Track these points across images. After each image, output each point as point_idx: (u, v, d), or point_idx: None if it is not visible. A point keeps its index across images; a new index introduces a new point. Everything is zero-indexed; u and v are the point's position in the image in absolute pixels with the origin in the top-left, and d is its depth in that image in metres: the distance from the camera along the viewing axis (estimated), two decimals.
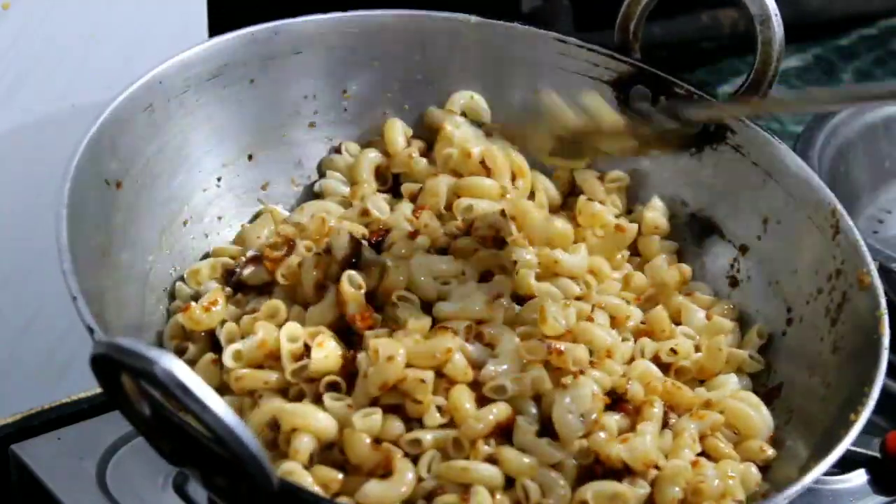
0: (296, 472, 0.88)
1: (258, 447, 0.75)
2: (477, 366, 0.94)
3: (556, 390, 0.93)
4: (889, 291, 1.17)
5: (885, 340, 0.94)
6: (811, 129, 1.36)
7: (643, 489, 0.91)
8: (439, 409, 0.92)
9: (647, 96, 1.12)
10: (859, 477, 1.08)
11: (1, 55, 1.05)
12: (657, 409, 0.95)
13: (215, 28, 1.15)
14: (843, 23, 1.82)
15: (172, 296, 1.04)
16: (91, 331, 0.85)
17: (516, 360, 0.94)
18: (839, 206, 1.03)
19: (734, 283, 1.09)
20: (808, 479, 0.87)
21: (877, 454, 1.08)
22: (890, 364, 1.18)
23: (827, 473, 1.07)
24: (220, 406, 0.74)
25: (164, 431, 0.81)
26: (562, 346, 0.94)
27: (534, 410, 0.93)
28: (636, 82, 1.13)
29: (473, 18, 1.14)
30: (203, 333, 0.99)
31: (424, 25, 1.14)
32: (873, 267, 0.99)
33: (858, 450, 1.08)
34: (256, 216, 1.11)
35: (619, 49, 1.14)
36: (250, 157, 1.11)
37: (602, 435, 0.92)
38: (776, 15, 1.08)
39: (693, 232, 1.11)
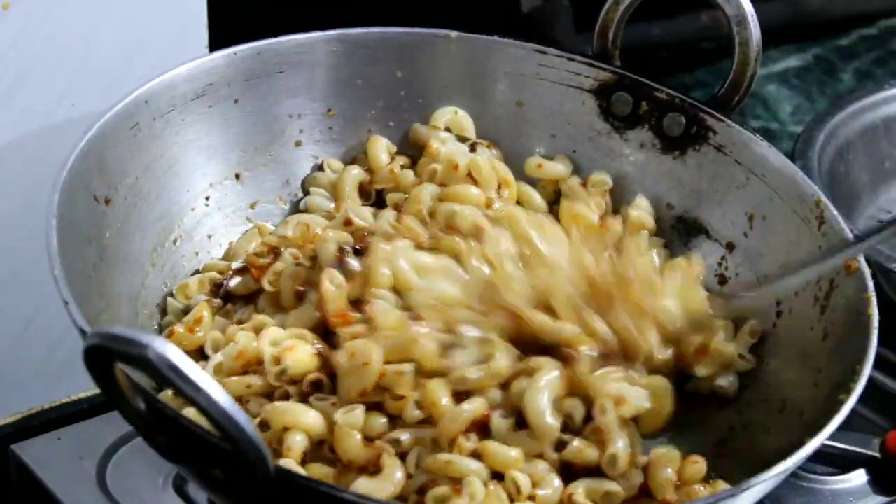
0: (292, 468, 0.88)
1: (253, 430, 0.75)
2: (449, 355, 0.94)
3: (523, 378, 0.93)
4: (889, 291, 1.18)
5: (875, 321, 0.95)
6: (811, 129, 1.36)
7: (636, 478, 0.92)
8: (418, 404, 0.92)
9: (629, 103, 1.14)
10: (859, 477, 1.08)
11: (1, 55, 1.05)
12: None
13: (215, 29, 1.15)
14: (843, 23, 1.82)
15: (164, 311, 1.04)
16: (84, 333, 0.85)
17: (484, 349, 0.94)
18: (823, 197, 1.04)
19: (723, 281, 1.09)
20: (800, 454, 0.87)
21: (877, 454, 1.08)
22: (889, 363, 1.19)
23: (827, 473, 1.08)
24: (214, 388, 0.74)
25: (160, 426, 0.81)
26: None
27: (502, 399, 0.94)
28: (618, 89, 1.14)
29: (454, 33, 1.15)
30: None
31: (405, 42, 1.15)
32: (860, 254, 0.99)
33: (858, 450, 1.08)
34: (246, 234, 1.11)
35: (599, 56, 1.14)
36: (238, 177, 1.12)
37: (576, 444, 0.92)
38: (752, 15, 1.09)
39: (680, 234, 1.12)
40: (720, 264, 1.09)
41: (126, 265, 1.02)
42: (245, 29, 1.13)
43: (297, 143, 1.14)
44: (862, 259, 0.99)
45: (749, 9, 1.08)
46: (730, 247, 1.09)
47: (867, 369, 0.92)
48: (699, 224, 1.11)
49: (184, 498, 1.03)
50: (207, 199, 1.10)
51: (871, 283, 0.98)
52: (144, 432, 0.82)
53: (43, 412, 1.14)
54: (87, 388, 1.17)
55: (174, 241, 1.07)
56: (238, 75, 1.10)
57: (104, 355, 0.75)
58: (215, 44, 1.14)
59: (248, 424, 0.75)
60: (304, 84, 1.13)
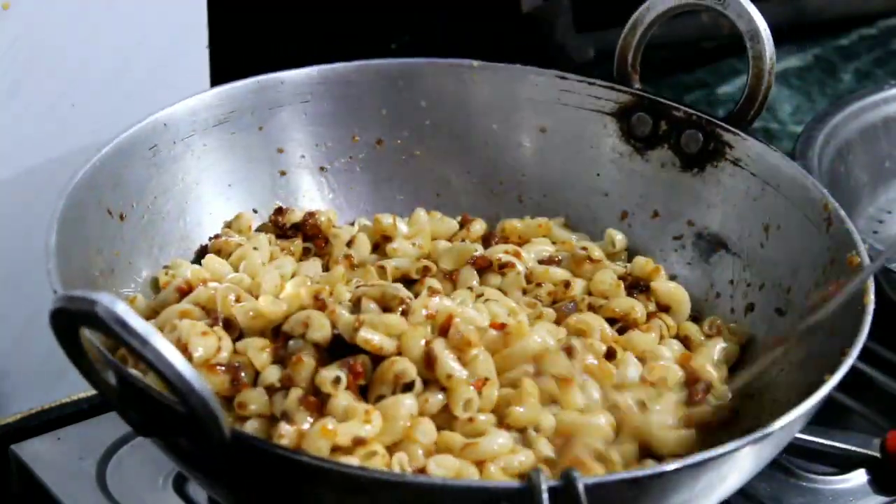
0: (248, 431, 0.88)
1: (203, 384, 0.76)
2: None
3: None
4: (889, 291, 1.18)
5: (870, 307, 0.95)
6: (811, 129, 1.36)
7: None
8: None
9: (649, 123, 1.15)
10: (859, 477, 1.08)
11: (1, 55, 1.05)
12: None
13: (216, 31, 1.15)
14: (843, 23, 1.82)
15: None
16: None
17: None
18: (831, 199, 1.04)
19: (745, 294, 1.09)
20: (785, 419, 0.86)
21: (877, 454, 1.08)
22: (889, 364, 1.19)
23: (827, 473, 1.08)
24: (160, 342, 0.74)
25: (129, 398, 0.82)
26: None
27: None
28: (637, 110, 1.15)
29: (476, 63, 1.17)
30: None
31: (427, 71, 1.17)
32: (862, 248, 0.99)
33: (858, 450, 1.08)
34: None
35: (619, 79, 1.16)
36: (255, 211, 1.13)
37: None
38: (765, 30, 1.09)
39: (701, 251, 1.12)
40: (740, 277, 1.09)
41: (136, 281, 1.04)
42: (245, 29, 1.13)
43: (322, 169, 1.16)
44: (864, 254, 0.99)
45: (762, 24, 1.09)
46: (748, 259, 1.09)
47: (855, 351, 0.91)
48: (719, 239, 1.12)
49: (184, 498, 1.03)
50: (229, 224, 1.12)
51: (866, 258, 0.99)
52: (115, 405, 0.83)
53: (43, 412, 1.14)
54: (87, 388, 1.16)
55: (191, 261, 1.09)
56: (262, 103, 1.13)
57: (65, 319, 0.76)
58: (215, 44, 1.14)
59: (197, 379, 0.76)
60: (329, 113, 1.16)
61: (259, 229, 1.12)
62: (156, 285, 1.05)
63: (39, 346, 1.15)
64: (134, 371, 0.85)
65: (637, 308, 1.04)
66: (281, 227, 1.11)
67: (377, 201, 1.17)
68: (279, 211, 1.12)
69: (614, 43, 1.16)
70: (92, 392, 1.14)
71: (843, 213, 1.03)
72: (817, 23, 1.79)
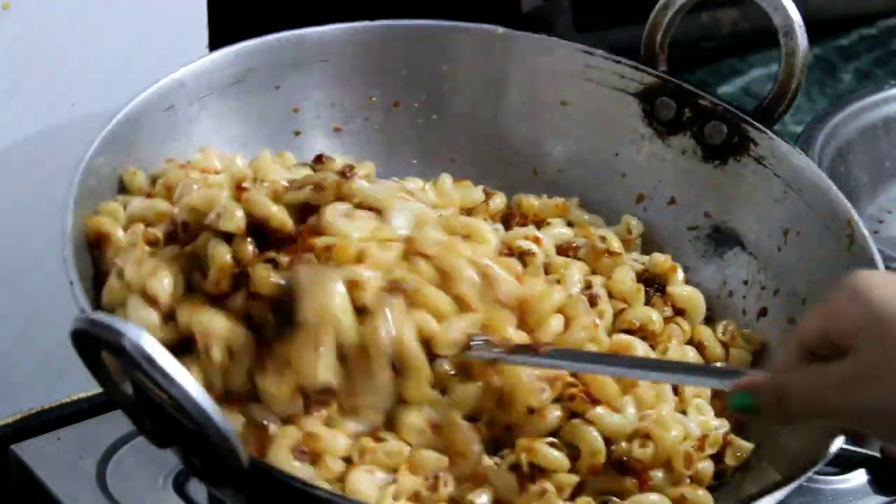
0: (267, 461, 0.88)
1: (224, 421, 0.76)
2: None
3: None
4: None
5: None
6: (811, 129, 1.36)
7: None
8: None
9: (673, 108, 1.13)
10: (859, 477, 1.08)
11: (1, 55, 1.05)
12: None
13: (216, 31, 1.15)
14: (843, 23, 1.82)
15: None
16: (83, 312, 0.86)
17: None
18: (855, 215, 1.02)
19: (759, 297, 1.08)
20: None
21: (877, 454, 1.08)
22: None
23: (827, 473, 1.08)
24: (186, 379, 0.74)
25: (147, 411, 0.81)
26: None
27: None
28: (662, 94, 1.13)
29: (500, 29, 1.16)
30: None
31: (450, 35, 1.16)
32: (882, 269, 0.99)
33: (858, 450, 1.08)
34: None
35: (646, 61, 1.14)
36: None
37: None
38: (801, 26, 1.07)
39: (716, 243, 1.11)
40: (754, 277, 1.08)
41: None
42: (245, 29, 1.13)
43: (337, 130, 1.15)
44: (875, 252, 0.99)
45: (797, 19, 1.07)
46: (764, 260, 1.08)
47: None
48: (735, 235, 1.10)
49: (184, 498, 1.03)
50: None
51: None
52: (132, 416, 0.83)
53: (43, 412, 1.14)
54: (87, 388, 1.16)
55: None
56: (278, 62, 1.11)
57: (87, 341, 0.76)
58: (215, 44, 1.14)
59: (220, 416, 0.75)
60: (346, 73, 1.14)
61: None
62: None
63: (39, 346, 1.15)
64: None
65: (654, 318, 1.03)
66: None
67: (391, 164, 1.15)
68: (318, 159, 1.08)
69: (614, 43, 1.16)
70: (92, 392, 1.14)
71: (866, 232, 1.01)
72: (817, 23, 1.78)
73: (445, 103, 1.16)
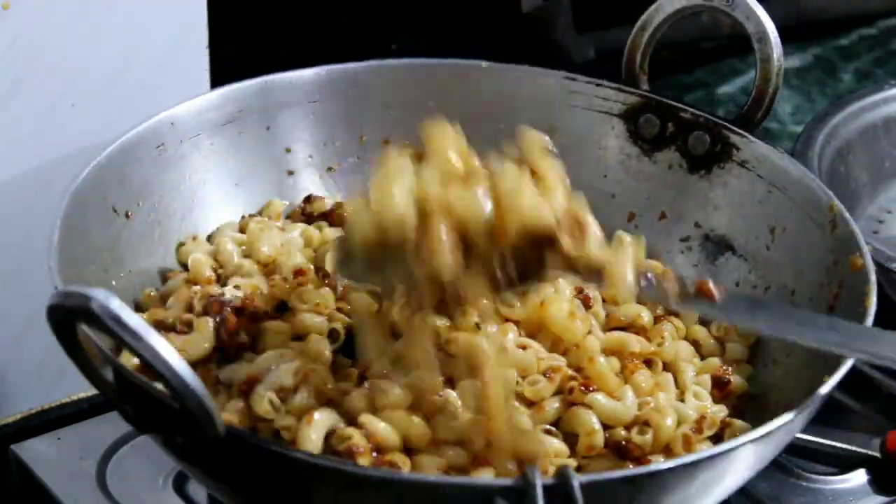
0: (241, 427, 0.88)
1: (196, 381, 0.76)
2: None
3: None
4: (889, 291, 1.18)
5: (871, 310, 0.95)
6: (811, 129, 1.36)
7: None
8: None
9: (656, 125, 1.15)
10: (859, 477, 1.08)
11: (1, 55, 1.05)
12: None
13: (216, 31, 1.15)
14: (843, 23, 1.82)
15: None
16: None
17: None
18: (836, 201, 1.04)
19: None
20: (780, 421, 0.86)
21: (877, 454, 1.08)
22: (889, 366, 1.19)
23: (827, 473, 1.08)
24: (155, 338, 0.75)
25: (127, 394, 0.82)
26: None
27: None
28: (645, 112, 1.15)
29: (484, 63, 1.18)
30: None
31: (436, 72, 1.18)
32: (866, 250, 0.99)
33: (858, 450, 1.08)
34: None
35: (628, 81, 1.16)
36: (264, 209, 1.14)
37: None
38: (773, 32, 1.10)
39: (708, 253, 1.12)
40: (746, 279, 1.09)
41: (141, 276, 1.04)
42: (245, 29, 1.13)
43: (330, 170, 1.17)
44: (868, 256, 0.99)
45: (770, 26, 1.09)
46: (754, 261, 1.09)
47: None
48: (726, 241, 1.12)
49: (184, 498, 1.03)
50: (260, 211, 1.13)
51: (873, 277, 0.98)
52: (112, 399, 0.84)
53: (43, 412, 1.14)
54: (87, 388, 1.16)
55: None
56: (270, 103, 1.13)
57: (61, 314, 0.76)
58: (215, 44, 1.14)
59: (191, 376, 0.76)
60: (336, 112, 1.16)
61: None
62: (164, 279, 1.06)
63: (39, 346, 1.15)
64: (129, 366, 0.86)
65: (643, 314, 1.04)
66: (308, 216, 1.11)
67: None
68: (308, 199, 1.12)
69: (614, 43, 1.16)
70: (92, 392, 1.14)
71: (847, 214, 1.03)
72: (817, 23, 1.79)
73: None
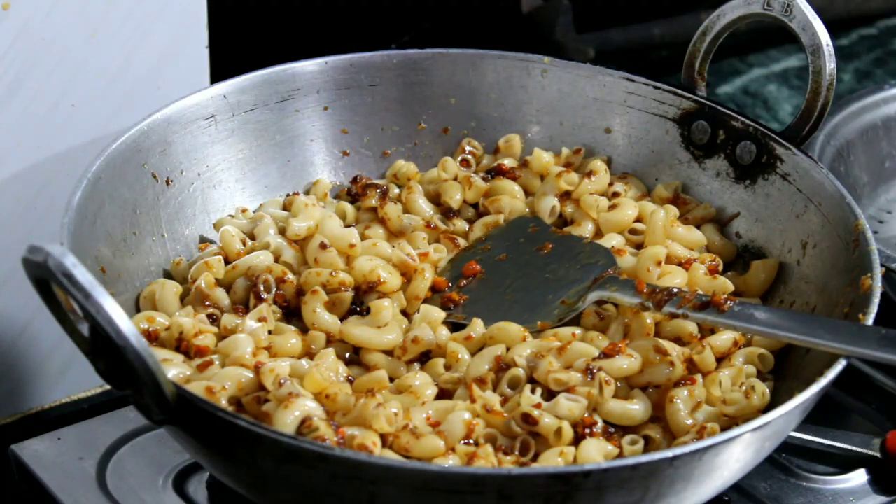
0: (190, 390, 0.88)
1: (141, 340, 0.78)
2: None
3: None
4: (889, 292, 1.18)
5: (870, 321, 0.95)
6: None
7: None
8: None
9: (707, 131, 1.15)
10: (859, 477, 1.08)
11: (1, 55, 1.05)
12: None
13: (216, 30, 1.15)
14: (843, 23, 1.82)
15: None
16: None
17: None
18: (863, 219, 1.03)
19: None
20: (769, 416, 0.88)
21: (877, 454, 1.08)
22: (889, 365, 1.19)
23: (827, 473, 1.08)
24: (104, 297, 0.77)
25: (101, 351, 0.83)
26: None
27: None
28: (698, 118, 1.15)
29: (546, 59, 1.18)
30: None
31: (500, 64, 1.18)
32: (878, 271, 0.99)
33: (858, 450, 1.08)
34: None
35: (685, 86, 1.16)
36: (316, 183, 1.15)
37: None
38: (828, 45, 1.09)
39: (745, 263, 1.12)
40: (773, 292, 1.09)
41: (174, 241, 1.07)
42: (245, 29, 1.13)
43: (385, 154, 1.18)
44: (878, 278, 0.98)
45: (825, 38, 1.09)
46: (786, 274, 1.09)
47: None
48: (762, 254, 1.12)
49: (184, 498, 1.03)
50: (308, 190, 1.14)
51: (875, 300, 0.97)
52: (89, 356, 0.85)
53: (43, 412, 1.14)
54: (87, 388, 1.17)
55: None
56: (330, 84, 1.15)
57: (33, 269, 0.79)
58: (215, 44, 1.14)
59: (136, 336, 0.78)
60: (397, 98, 1.17)
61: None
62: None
63: (39, 346, 1.15)
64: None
65: (690, 328, 1.04)
66: (354, 196, 1.12)
67: None
68: (355, 180, 1.13)
69: (614, 43, 1.16)
70: (92, 392, 1.14)
71: (870, 234, 1.02)
72: None
73: (493, 130, 1.19)
